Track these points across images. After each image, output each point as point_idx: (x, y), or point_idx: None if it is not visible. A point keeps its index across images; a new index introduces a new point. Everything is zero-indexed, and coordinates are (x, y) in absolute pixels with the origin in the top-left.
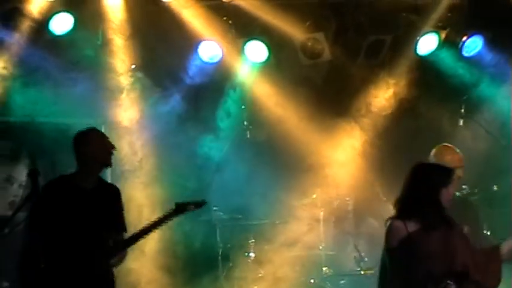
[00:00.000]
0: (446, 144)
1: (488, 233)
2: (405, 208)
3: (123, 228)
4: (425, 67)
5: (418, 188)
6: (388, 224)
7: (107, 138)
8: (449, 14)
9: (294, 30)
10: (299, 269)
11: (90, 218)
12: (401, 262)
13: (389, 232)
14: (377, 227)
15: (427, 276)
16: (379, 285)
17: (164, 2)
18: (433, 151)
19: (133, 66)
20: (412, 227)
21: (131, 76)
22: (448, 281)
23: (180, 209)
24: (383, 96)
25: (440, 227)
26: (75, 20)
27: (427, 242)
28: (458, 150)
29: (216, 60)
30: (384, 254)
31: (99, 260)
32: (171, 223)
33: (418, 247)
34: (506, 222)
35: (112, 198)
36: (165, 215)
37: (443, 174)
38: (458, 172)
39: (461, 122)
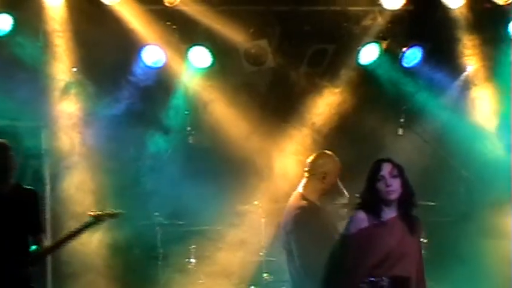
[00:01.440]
0: (325, 151)
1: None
2: (363, 202)
3: (40, 229)
4: (366, 77)
5: (365, 184)
6: (352, 214)
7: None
8: (389, 25)
9: (237, 37)
10: (240, 275)
11: (5, 222)
12: (353, 250)
13: (351, 221)
14: None
15: (369, 271)
16: (325, 271)
17: (106, 5)
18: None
19: (74, 69)
20: (372, 220)
21: (72, 78)
22: (384, 277)
23: (95, 220)
24: (325, 104)
25: (399, 225)
26: (14, 21)
27: (383, 239)
28: (336, 159)
29: (159, 64)
30: (337, 241)
31: (18, 265)
32: (113, 228)
33: (373, 240)
34: (446, 232)
35: (28, 201)
36: (82, 226)
37: (374, 168)
38: (330, 179)
39: (400, 132)
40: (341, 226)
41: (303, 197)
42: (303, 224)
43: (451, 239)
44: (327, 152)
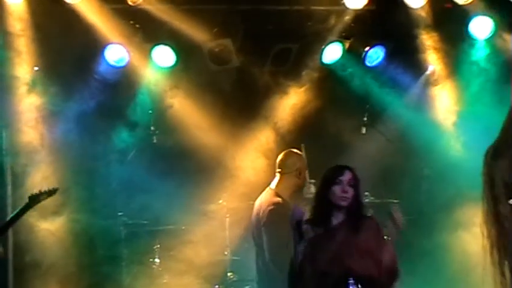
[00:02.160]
0: (292, 149)
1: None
2: (314, 207)
3: None
4: (330, 76)
5: (321, 183)
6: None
7: None
8: (352, 25)
9: (201, 36)
10: (204, 274)
11: None
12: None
13: None
14: None
15: (323, 274)
16: (289, 275)
17: (68, 4)
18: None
19: (36, 68)
20: (316, 230)
21: (34, 77)
22: (350, 280)
23: (34, 200)
24: (290, 103)
25: (344, 229)
26: None
27: (327, 244)
28: (303, 155)
29: (122, 63)
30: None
31: None
32: (74, 230)
33: (318, 248)
34: (408, 230)
35: None
36: (21, 208)
37: (331, 171)
38: (303, 175)
39: (363, 130)
40: None
41: (277, 194)
42: (277, 219)
43: (414, 236)
44: (294, 150)
